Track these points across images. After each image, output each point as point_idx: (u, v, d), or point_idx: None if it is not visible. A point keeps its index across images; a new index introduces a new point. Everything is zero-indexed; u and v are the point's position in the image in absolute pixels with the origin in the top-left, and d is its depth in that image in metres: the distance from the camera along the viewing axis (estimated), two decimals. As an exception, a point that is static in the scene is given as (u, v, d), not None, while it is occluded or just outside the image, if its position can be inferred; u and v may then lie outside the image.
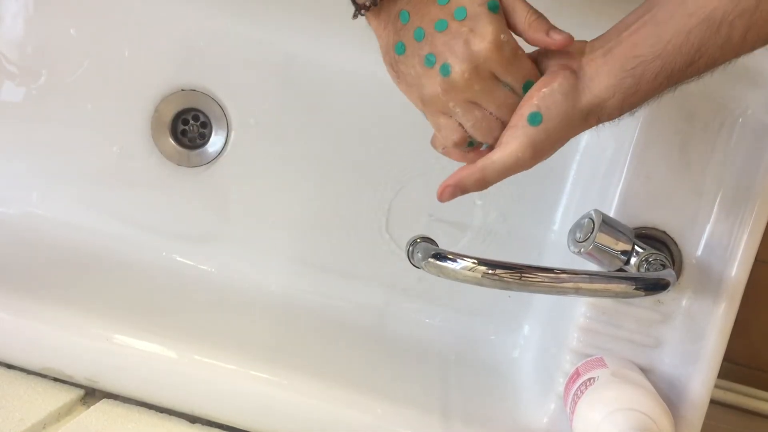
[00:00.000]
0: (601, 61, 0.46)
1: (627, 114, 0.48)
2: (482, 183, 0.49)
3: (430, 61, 0.47)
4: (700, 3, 0.43)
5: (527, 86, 0.48)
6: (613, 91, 0.46)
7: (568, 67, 0.47)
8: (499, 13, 0.46)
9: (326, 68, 0.81)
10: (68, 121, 0.83)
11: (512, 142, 0.47)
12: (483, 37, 0.45)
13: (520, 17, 0.47)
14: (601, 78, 0.46)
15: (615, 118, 0.47)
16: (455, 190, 0.49)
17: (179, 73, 0.82)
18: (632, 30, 0.46)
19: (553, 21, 0.48)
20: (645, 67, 0.45)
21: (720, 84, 0.64)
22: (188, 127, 0.84)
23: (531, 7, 0.47)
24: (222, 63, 0.82)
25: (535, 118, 0.46)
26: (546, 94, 0.46)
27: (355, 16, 0.50)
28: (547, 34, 0.47)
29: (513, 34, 0.47)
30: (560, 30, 0.47)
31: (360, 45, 0.74)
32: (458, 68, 0.46)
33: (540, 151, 0.47)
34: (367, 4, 0.48)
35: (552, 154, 0.48)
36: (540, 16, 0.47)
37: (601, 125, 0.48)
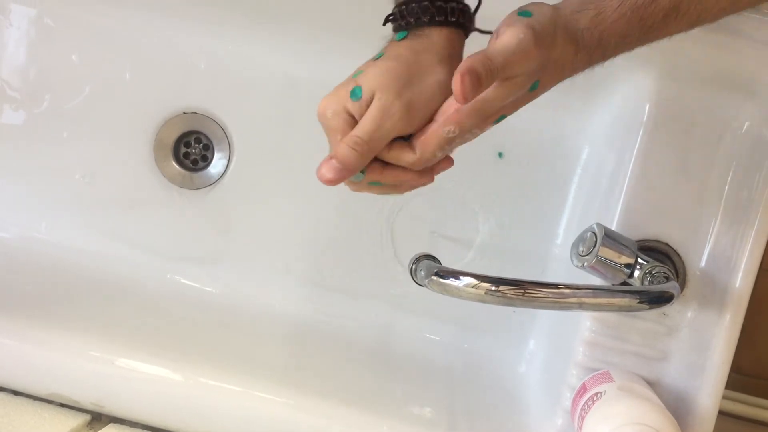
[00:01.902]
0: None
1: (600, 59, 0.47)
2: (488, 62, 0.43)
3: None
4: None
5: None
6: (579, 8, 0.46)
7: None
8: (357, 101, 0.50)
9: (327, 88, 0.81)
10: (71, 145, 0.83)
11: (508, 30, 0.45)
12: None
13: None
14: (565, 5, 0.47)
15: (592, 48, 0.47)
16: (471, 76, 0.42)
17: (181, 96, 0.83)
18: None
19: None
20: None
21: (718, 96, 0.64)
22: (190, 149, 0.85)
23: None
24: (223, 85, 0.83)
25: (525, 13, 0.46)
26: (531, 2, 0.47)
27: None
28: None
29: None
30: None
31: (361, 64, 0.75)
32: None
33: (540, 37, 0.44)
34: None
35: (553, 54, 0.45)
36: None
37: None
